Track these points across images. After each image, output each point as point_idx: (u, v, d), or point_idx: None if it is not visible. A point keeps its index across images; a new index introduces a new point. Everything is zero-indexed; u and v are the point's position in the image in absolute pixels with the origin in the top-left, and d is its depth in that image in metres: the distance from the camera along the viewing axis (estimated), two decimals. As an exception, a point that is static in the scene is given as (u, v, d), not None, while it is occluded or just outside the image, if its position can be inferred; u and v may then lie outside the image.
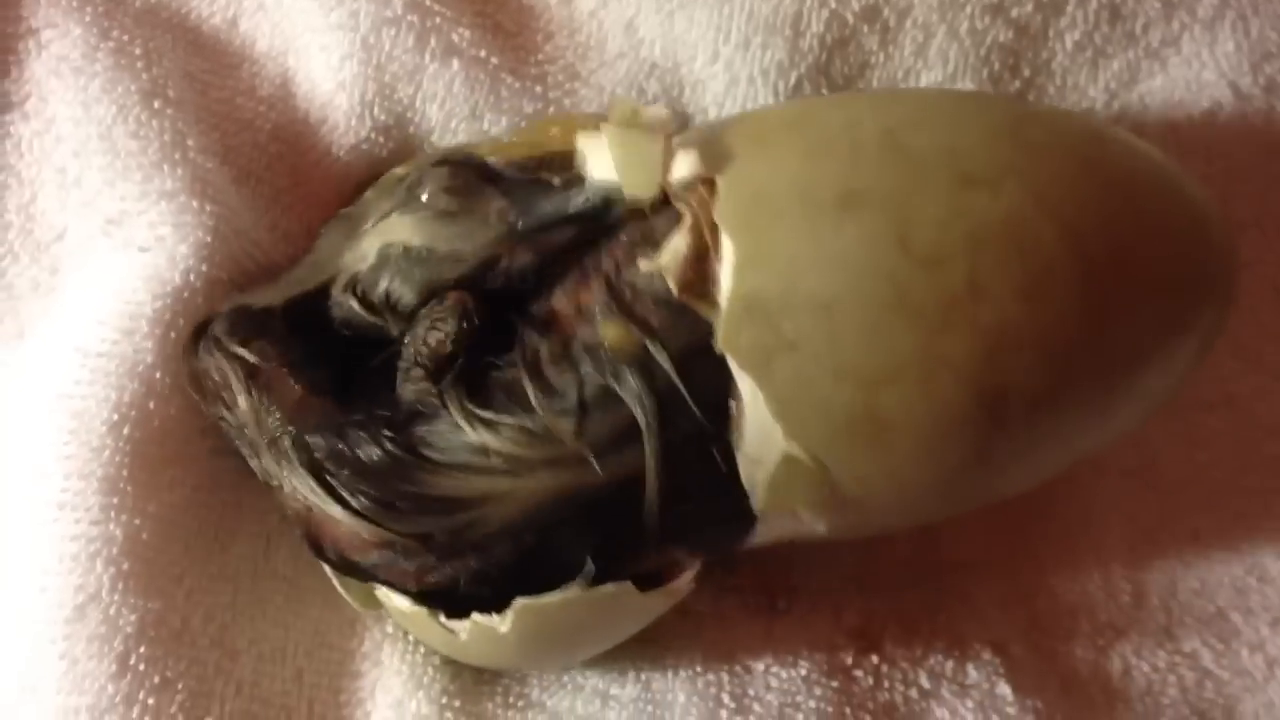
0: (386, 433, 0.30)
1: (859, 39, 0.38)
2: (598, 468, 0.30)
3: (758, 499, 0.30)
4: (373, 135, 0.38)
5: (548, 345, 0.30)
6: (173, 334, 0.34)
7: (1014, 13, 0.37)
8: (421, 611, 0.31)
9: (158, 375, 0.33)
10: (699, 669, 0.34)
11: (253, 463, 0.32)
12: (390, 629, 0.35)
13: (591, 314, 0.30)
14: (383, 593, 0.32)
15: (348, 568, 0.31)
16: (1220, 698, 0.36)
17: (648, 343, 0.30)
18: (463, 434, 0.30)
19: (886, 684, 0.35)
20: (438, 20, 0.38)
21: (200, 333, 0.33)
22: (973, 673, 0.35)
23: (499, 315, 0.31)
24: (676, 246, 0.30)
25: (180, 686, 0.32)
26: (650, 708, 0.34)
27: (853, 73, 0.38)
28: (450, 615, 0.31)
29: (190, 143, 0.36)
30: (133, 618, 0.32)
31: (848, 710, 0.34)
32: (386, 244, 0.32)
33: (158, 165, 0.35)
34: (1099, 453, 0.35)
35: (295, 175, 0.38)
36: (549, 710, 0.34)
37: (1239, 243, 0.39)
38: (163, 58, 0.37)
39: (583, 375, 0.30)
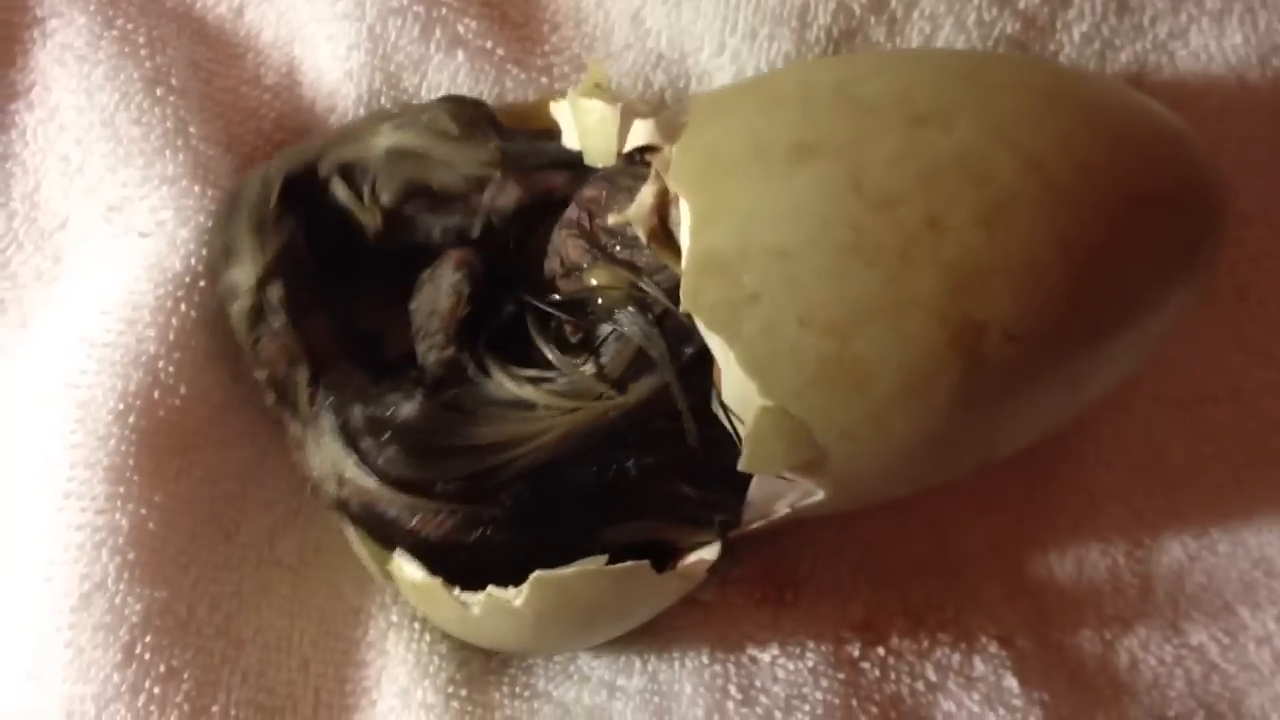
0: (420, 392, 0.32)
1: (866, 30, 0.38)
2: (622, 397, 0.31)
3: (741, 457, 0.30)
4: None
5: (549, 304, 0.32)
6: (174, 321, 0.34)
7: (1021, 4, 0.37)
8: (436, 583, 0.31)
9: (161, 364, 0.33)
10: (706, 660, 0.34)
11: (290, 425, 0.33)
12: (395, 617, 0.35)
13: (579, 267, 0.32)
14: (397, 566, 0.32)
15: (375, 522, 0.32)
16: (1227, 691, 0.36)
17: (636, 280, 0.31)
18: (494, 388, 0.31)
19: (893, 676, 0.35)
20: (444, 10, 0.37)
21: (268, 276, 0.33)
22: (979, 665, 0.35)
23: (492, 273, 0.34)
24: (643, 198, 0.31)
25: (186, 675, 0.32)
26: (657, 699, 0.34)
27: (860, 64, 0.38)
28: (465, 588, 0.31)
29: (192, 130, 0.36)
30: (138, 607, 0.32)
31: (854, 702, 0.34)
32: (386, 142, 0.34)
33: (159, 151, 0.35)
34: (1101, 400, 0.35)
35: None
36: (555, 700, 0.34)
37: (1246, 236, 0.39)
38: (167, 46, 0.37)
39: (588, 323, 0.32)
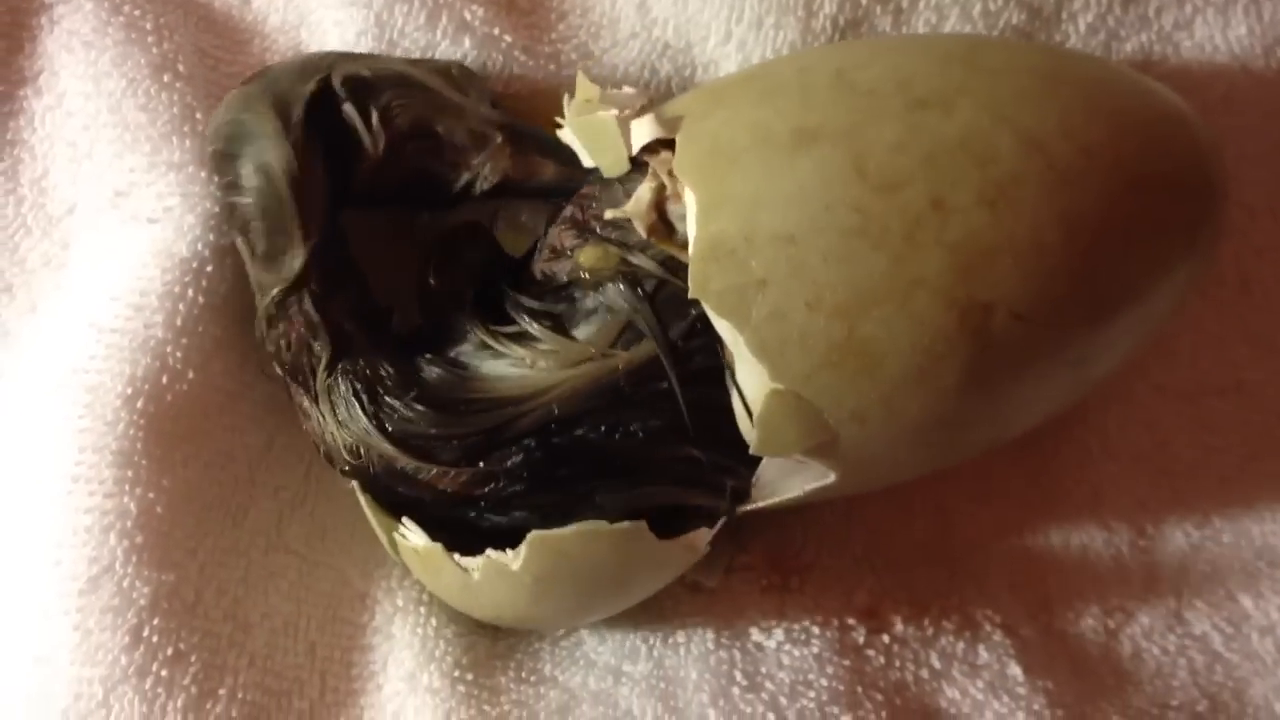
0: (429, 355, 0.32)
1: (872, 20, 0.38)
2: (624, 353, 0.31)
3: (753, 440, 0.30)
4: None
5: (543, 289, 0.33)
6: (182, 306, 0.34)
7: (1028, -5, 0.37)
8: (437, 549, 0.31)
9: (169, 350, 0.34)
10: (711, 646, 0.34)
11: (300, 397, 0.33)
12: (401, 602, 0.35)
13: (567, 251, 0.32)
14: (400, 534, 0.32)
15: (390, 481, 0.32)
16: (1230, 680, 0.36)
17: (627, 255, 0.31)
18: (498, 356, 0.32)
19: (898, 663, 0.35)
20: (450, -4, 0.37)
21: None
22: (983, 653, 0.35)
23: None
24: (641, 194, 0.31)
25: (193, 659, 0.32)
26: (662, 684, 0.34)
27: (866, 54, 0.38)
28: (465, 554, 0.31)
29: (199, 116, 0.36)
30: (146, 590, 0.32)
31: (859, 689, 0.34)
32: (403, 68, 0.35)
33: (166, 137, 0.35)
34: (1107, 381, 0.35)
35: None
36: (561, 685, 0.34)
37: (1251, 228, 0.39)
38: (174, 33, 0.37)
39: (577, 302, 0.32)
